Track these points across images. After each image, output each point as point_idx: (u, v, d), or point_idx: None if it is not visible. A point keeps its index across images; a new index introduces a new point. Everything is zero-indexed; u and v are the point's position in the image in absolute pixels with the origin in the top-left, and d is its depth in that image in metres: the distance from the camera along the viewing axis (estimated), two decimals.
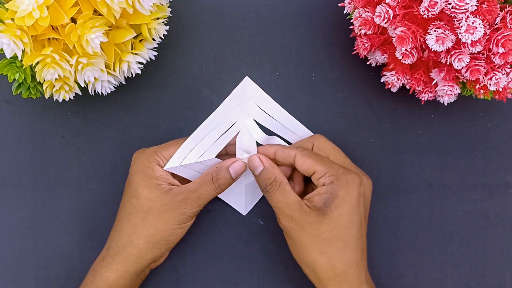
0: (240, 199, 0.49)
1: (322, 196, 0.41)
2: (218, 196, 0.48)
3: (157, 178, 0.43)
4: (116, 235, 0.44)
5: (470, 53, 0.37)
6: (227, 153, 0.48)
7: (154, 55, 0.45)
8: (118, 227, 0.44)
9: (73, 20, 0.38)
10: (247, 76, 0.48)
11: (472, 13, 0.35)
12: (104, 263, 0.44)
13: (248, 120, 0.47)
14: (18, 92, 0.41)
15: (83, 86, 0.42)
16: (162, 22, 0.43)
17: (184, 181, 0.46)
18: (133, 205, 0.43)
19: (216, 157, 0.46)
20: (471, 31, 0.35)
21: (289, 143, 0.48)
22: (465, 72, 0.38)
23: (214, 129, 0.46)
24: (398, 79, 0.43)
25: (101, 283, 0.43)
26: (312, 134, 0.48)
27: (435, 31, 0.36)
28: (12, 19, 0.36)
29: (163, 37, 0.44)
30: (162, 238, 0.43)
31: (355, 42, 0.44)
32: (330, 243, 0.41)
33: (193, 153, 0.45)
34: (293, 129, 0.48)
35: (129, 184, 0.44)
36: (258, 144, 0.47)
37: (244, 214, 0.50)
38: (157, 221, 0.43)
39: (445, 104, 0.43)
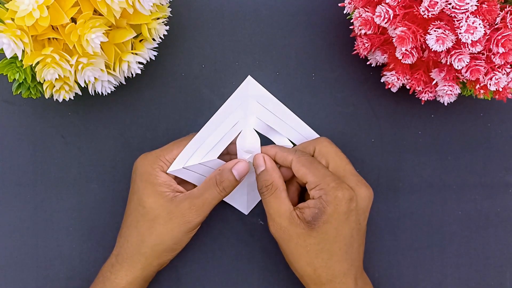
0: (242, 198, 0.49)
1: (311, 210, 0.41)
2: None
3: (160, 185, 0.43)
4: (124, 243, 0.44)
5: (470, 53, 0.37)
6: (228, 152, 0.48)
7: (154, 55, 0.45)
8: (126, 234, 0.44)
9: (73, 20, 0.38)
10: (249, 75, 0.47)
11: (472, 13, 0.35)
12: (113, 270, 0.44)
13: (251, 118, 0.47)
14: (18, 92, 0.41)
15: (83, 86, 0.42)
16: (162, 22, 0.43)
17: (188, 187, 0.46)
18: (140, 214, 0.43)
19: (218, 157, 0.46)
20: (471, 31, 0.35)
21: (293, 144, 0.48)
22: (465, 72, 0.38)
23: (216, 129, 0.46)
24: (398, 79, 0.43)
25: None
26: (316, 134, 0.47)
27: (435, 31, 0.36)
28: (12, 19, 0.36)
29: (163, 37, 0.44)
30: (168, 246, 0.43)
31: (355, 42, 0.44)
32: (316, 255, 0.41)
33: (196, 155, 0.45)
34: (297, 128, 0.47)
35: (134, 192, 0.44)
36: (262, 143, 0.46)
37: (246, 213, 0.49)
38: (163, 230, 0.43)
39: (445, 104, 0.43)
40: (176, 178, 0.45)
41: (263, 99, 0.47)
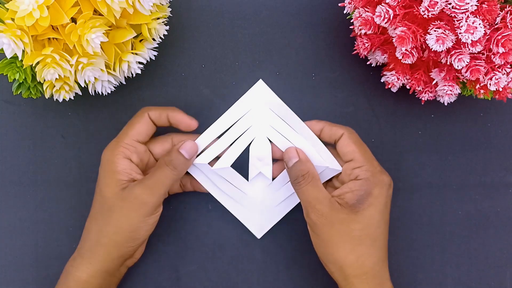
0: (255, 219, 0.48)
1: (356, 193, 0.41)
2: (234, 215, 0.48)
3: (119, 173, 0.42)
4: (85, 235, 0.43)
5: (470, 53, 0.37)
6: None
7: (154, 55, 0.45)
8: (88, 227, 0.44)
9: (73, 20, 0.38)
10: (261, 79, 0.47)
11: (472, 13, 0.35)
12: (75, 263, 0.43)
13: (264, 126, 0.46)
14: (18, 92, 0.41)
15: (83, 86, 0.42)
16: (162, 22, 0.43)
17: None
18: (99, 204, 0.43)
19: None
20: (471, 31, 0.35)
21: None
22: (465, 72, 0.38)
23: (228, 131, 0.46)
24: (398, 79, 0.43)
25: (73, 284, 0.42)
26: (324, 147, 0.45)
27: (435, 31, 0.36)
28: (12, 19, 0.36)
29: (163, 37, 0.44)
30: (127, 235, 0.42)
31: (355, 42, 0.44)
32: (360, 241, 0.41)
33: (209, 151, 0.45)
34: (308, 139, 0.46)
35: (97, 184, 0.44)
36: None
37: (259, 237, 0.49)
38: (120, 218, 0.42)
39: (445, 104, 0.43)
40: (139, 166, 0.44)
41: (275, 106, 0.46)
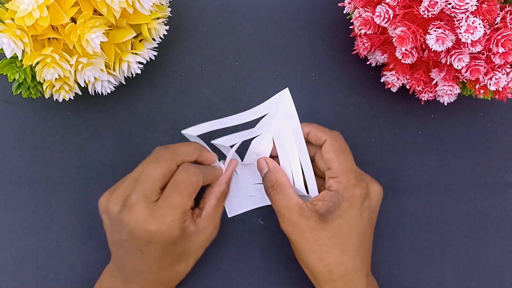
0: (234, 198, 0.49)
1: (325, 203, 0.41)
2: None
3: (182, 223, 0.41)
4: (149, 279, 0.42)
5: (470, 53, 0.37)
6: None
7: (154, 55, 0.45)
8: (162, 278, 0.42)
9: (73, 20, 0.38)
10: (287, 88, 0.48)
11: (472, 13, 0.35)
12: None
13: (274, 128, 0.46)
14: (18, 92, 0.41)
15: (83, 86, 0.42)
16: (162, 22, 0.43)
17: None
18: (175, 259, 0.43)
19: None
20: (471, 31, 0.35)
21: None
22: (465, 72, 0.38)
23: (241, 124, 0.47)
24: (398, 79, 0.43)
25: None
26: (315, 184, 0.45)
27: (435, 31, 0.36)
28: (12, 19, 0.36)
29: (163, 37, 0.44)
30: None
31: (355, 42, 0.44)
32: (328, 250, 0.41)
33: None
34: (303, 160, 0.45)
35: (163, 240, 0.40)
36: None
37: (229, 216, 0.49)
38: (195, 261, 0.45)
39: (445, 104, 0.43)
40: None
41: (290, 117, 0.46)
